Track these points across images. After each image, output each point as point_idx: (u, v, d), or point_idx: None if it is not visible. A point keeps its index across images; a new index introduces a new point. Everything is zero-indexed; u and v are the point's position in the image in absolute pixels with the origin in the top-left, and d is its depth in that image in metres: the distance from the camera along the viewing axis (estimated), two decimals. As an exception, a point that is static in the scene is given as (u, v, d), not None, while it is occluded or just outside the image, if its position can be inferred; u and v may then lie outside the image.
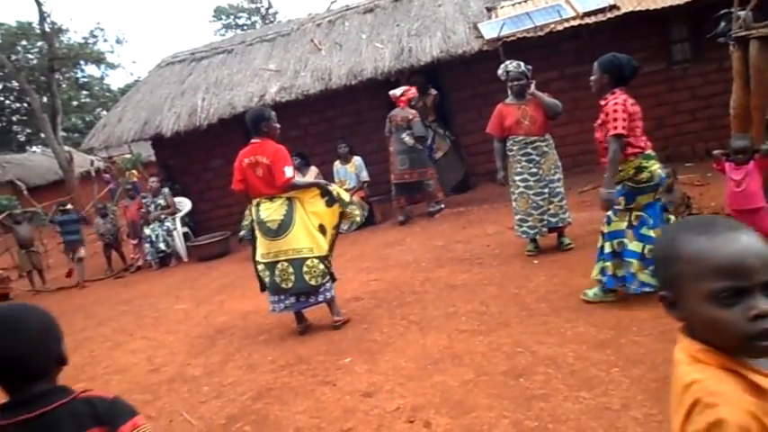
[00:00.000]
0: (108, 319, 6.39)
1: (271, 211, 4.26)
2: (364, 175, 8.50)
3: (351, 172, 8.43)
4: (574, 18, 7.96)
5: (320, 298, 4.42)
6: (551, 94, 5.25)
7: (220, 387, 3.83)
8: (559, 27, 7.91)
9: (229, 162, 9.83)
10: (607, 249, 3.84)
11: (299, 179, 4.52)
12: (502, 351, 3.46)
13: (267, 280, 4.41)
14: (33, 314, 1.40)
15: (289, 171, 4.21)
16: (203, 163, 10.24)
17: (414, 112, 7.71)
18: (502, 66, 5.26)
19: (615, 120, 3.63)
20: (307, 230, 4.32)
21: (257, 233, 4.41)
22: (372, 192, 8.80)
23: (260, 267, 4.46)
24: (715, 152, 4.61)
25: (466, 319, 4.09)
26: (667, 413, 2.47)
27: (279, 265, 4.30)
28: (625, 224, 3.77)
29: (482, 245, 6.01)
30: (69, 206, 10.33)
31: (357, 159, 8.54)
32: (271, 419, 3.22)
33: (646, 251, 3.69)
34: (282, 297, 4.42)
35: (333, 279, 4.50)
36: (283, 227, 4.25)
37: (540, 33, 7.96)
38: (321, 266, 4.33)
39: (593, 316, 3.68)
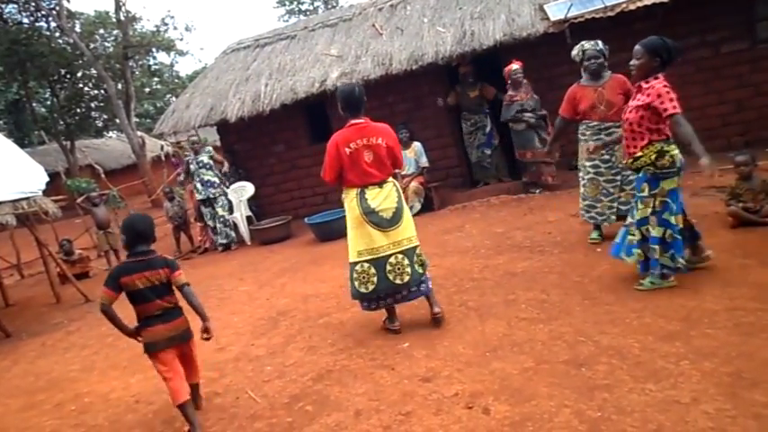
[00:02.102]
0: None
1: (382, 198, 3.87)
2: (424, 161, 8.48)
3: (410, 157, 8.41)
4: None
5: (423, 288, 4.05)
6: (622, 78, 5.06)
7: (282, 367, 3.93)
8: (632, 6, 7.55)
9: (291, 147, 10.24)
10: (637, 236, 3.86)
11: None
12: (563, 340, 3.40)
13: (375, 279, 3.88)
14: (149, 216, 3.50)
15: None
16: (266, 148, 10.47)
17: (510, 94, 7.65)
18: (577, 46, 5.08)
19: (671, 100, 3.60)
20: (411, 217, 4.07)
21: (359, 227, 3.90)
22: (431, 177, 8.78)
23: (361, 268, 3.91)
24: None
25: (526, 307, 4.03)
26: (742, 408, 2.37)
27: (392, 259, 3.88)
28: (649, 210, 3.77)
29: (543, 232, 5.90)
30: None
31: (417, 145, 8.51)
32: (331, 400, 3.29)
33: (666, 236, 3.74)
34: (395, 293, 4.00)
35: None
36: (398, 214, 3.91)
37: (611, 13, 7.64)
38: (423, 255, 4.05)
39: (660, 307, 3.55)
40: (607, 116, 4.87)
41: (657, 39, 3.73)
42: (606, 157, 4.94)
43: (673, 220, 3.73)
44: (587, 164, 5.05)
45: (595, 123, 4.93)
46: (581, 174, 5.17)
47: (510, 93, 7.63)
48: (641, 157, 3.76)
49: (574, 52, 5.06)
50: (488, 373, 3.19)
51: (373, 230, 3.85)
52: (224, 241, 9.22)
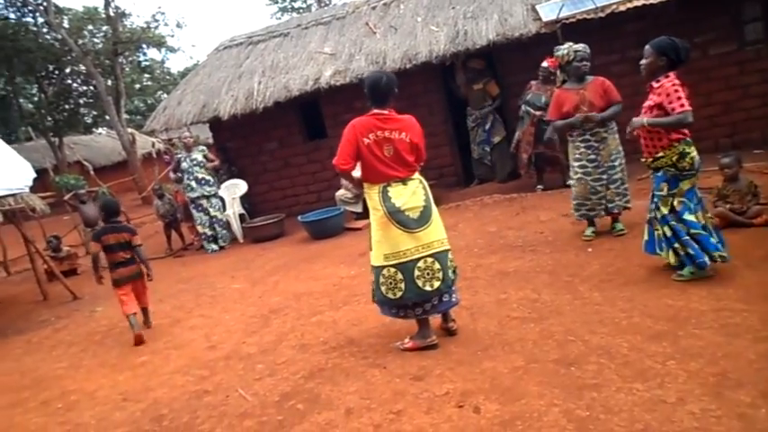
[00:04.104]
0: (168, 296, 6.63)
1: (407, 196, 3.54)
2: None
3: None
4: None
5: (457, 297, 3.79)
6: (611, 79, 5.12)
7: (274, 365, 3.93)
8: (622, 8, 7.60)
9: (284, 145, 10.22)
10: (667, 233, 3.89)
11: None
12: (553, 339, 3.42)
13: (402, 285, 3.52)
14: (117, 200, 6.33)
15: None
16: (259, 145, 10.44)
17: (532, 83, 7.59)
18: (565, 46, 5.12)
19: (680, 98, 3.65)
20: (439, 216, 3.70)
21: (384, 228, 3.55)
22: (424, 177, 8.75)
23: (387, 272, 3.55)
24: None
25: (517, 306, 4.05)
26: (726, 409, 2.40)
27: (420, 263, 3.51)
28: (667, 209, 3.83)
29: (535, 231, 5.93)
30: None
31: None
32: (322, 398, 3.29)
33: (691, 233, 3.78)
34: (425, 302, 3.61)
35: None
36: (426, 214, 3.56)
37: (602, 15, 7.69)
38: (453, 260, 3.73)
39: (649, 307, 3.59)
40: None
41: (665, 38, 3.78)
42: (592, 156, 5.02)
43: (693, 218, 3.78)
44: (575, 164, 5.14)
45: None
46: (571, 173, 5.24)
47: (531, 82, 7.62)
48: (662, 157, 3.80)
49: (562, 51, 5.10)
50: (479, 372, 3.21)
51: (400, 232, 3.49)
52: (215, 247, 9.03)
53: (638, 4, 7.52)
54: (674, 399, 2.58)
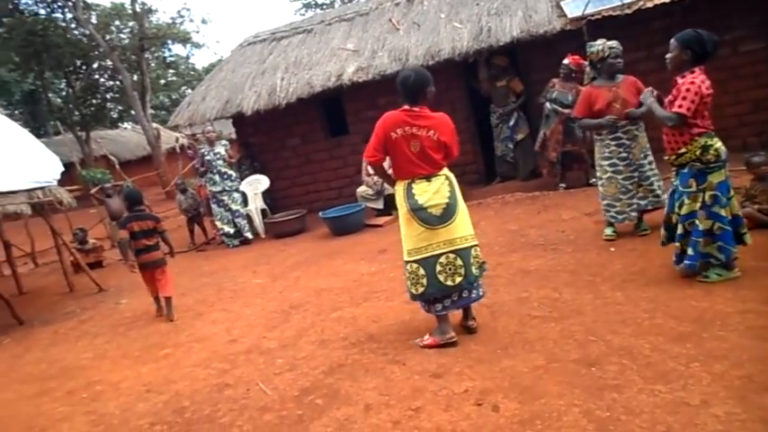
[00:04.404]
0: (191, 289, 6.71)
1: (430, 193, 3.54)
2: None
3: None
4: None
5: (479, 293, 3.77)
6: (638, 77, 5.04)
7: (294, 360, 3.96)
8: (649, 4, 7.49)
9: (306, 141, 10.26)
10: (679, 231, 3.85)
11: None
12: (574, 339, 3.39)
13: (424, 281, 3.57)
14: (140, 190, 6.69)
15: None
16: (281, 141, 10.50)
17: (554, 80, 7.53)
18: (599, 42, 5.03)
19: (684, 99, 3.61)
20: (467, 213, 3.69)
21: (408, 225, 3.61)
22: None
23: (410, 268, 3.62)
24: None
25: (538, 305, 4.03)
26: (751, 412, 2.36)
27: (442, 259, 3.54)
28: (698, 205, 3.75)
29: (557, 230, 5.88)
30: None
31: None
32: (341, 394, 3.31)
33: (715, 228, 3.72)
34: (445, 298, 3.65)
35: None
36: (450, 211, 3.55)
37: (628, 11, 7.58)
38: (480, 255, 3.72)
39: (672, 308, 3.54)
40: (623, 114, 4.86)
41: (691, 31, 3.69)
42: (624, 154, 4.95)
43: (723, 212, 3.72)
44: (604, 163, 5.05)
45: None
46: (599, 173, 5.18)
47: (553, 80, 7.55)
48: (685, 153, 3.74)
49: (597, 47, 4.99)
50: (499, 370, 3.20)
51: (422, 228, 3.53)
52: (236, 242, 9.06)
53: (667, 0, 7.40)
54: (698, 401, 2.54)
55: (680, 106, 3.60)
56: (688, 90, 3.60)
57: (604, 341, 3.28)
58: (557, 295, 4.15)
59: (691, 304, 3.54)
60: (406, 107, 3.60)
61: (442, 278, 3.54)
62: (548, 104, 7.41)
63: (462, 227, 3.60)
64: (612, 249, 4.92)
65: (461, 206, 3.64)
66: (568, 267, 4.71)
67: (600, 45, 5.00)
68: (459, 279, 3.55)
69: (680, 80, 3.73)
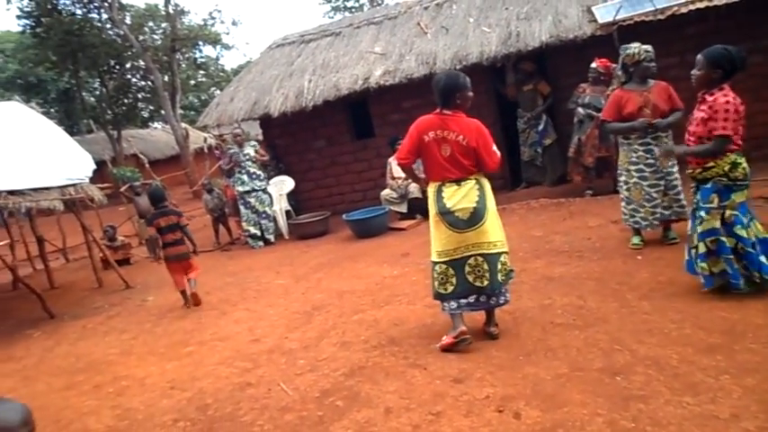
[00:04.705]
0: (215, 288, 6.78)
1: (459, 197, 3.56)
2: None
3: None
4: (701, -1, 7.36)
5: (501, 300, 3.75)
6: (670, 83, 4.96)
7: (315, 361, 3.97)
8: (684, 10, 7.36)
9: (332, 144, 10.30)
10: (701, 249, 3.72)
11: None
12: (598, 347, 3.34)
13: (454, 280, 3.63)
14: (163, 188, 7.19)
15: (496, 150, 3.63)
16: (307, 143, 10.56)
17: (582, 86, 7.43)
18: (634, 45, 4.95)
19: (726, 120, 3.53)
20: (498, 219, 3.69)
21: (436, 227, 3.66)
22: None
23: (440, 269, 3.67)
24: None
25: (561, 312, 3.98)
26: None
27: (471, 261, 3.59)
28: (718, 222, 3.65)
29: (582, 237, 5.80)
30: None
31: None
32: (362, 397, 3.31)
33: (738, 248, 3.62)
34: (469, 297, 3.68)
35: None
36: (477, 215, 3.55)
37: (661, 17, 7.46)
38: (508, 263, 3.71)
39: (701, 319, 3.46)
40: (651, 121, 4.79)
41: (721, 49, 3.61)
42: (651, 161, 4.87)
43: (744, 233, 3.62)
44: (631, 168, 4.97)
45: None
46: (623, 178, 5.09)
47: (582, 85, 7.47)
48: (713, 167, 3.65)
49: (633, 50, 4.89)
50: (521, 377, 3.16)
51: (449, 231, 3.58)
52: (261, 243, 9.10)
53: (701, 5, 7.26)
54: (728, 414, 2.48)
55: (723, 128, 3.52)
56: (727, 111, 3.53)
57: (630, 351, 3.23)
58: (581, 303, 4.09)
59: (721, 315, 3.46)
60: (438, 110, 3.63)
61: (471, 279, 3.61)
62: (580, 109, 7.30)
63: (492, 232, 3.60)
64: (639, 258, 4.84)
65: (491, 212, 3.64)
66: (594, 275, 4.64)
67: (636, 48, 4.90)
68: (485, 282, 3.59)
69: (710, 98, 3.64)
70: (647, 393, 2.76)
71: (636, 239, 5.12)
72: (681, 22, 7.51)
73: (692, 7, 7.31)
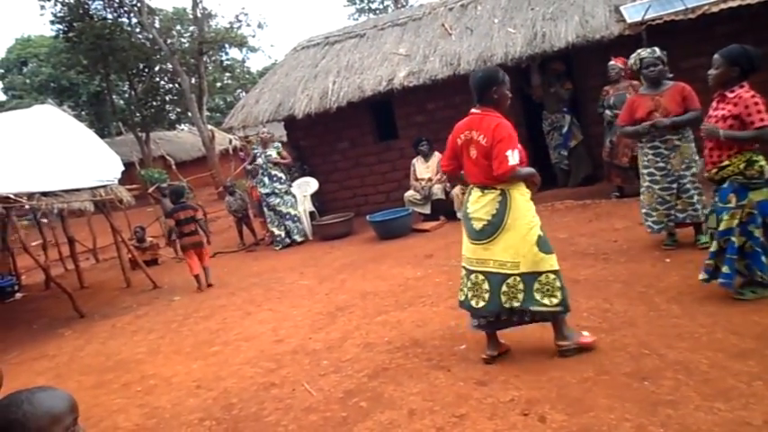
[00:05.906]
0: (239, 289, 6.85)
1: (479, 206, 3.34)
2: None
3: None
4: (734, -3, 7.18)
5: (509, 326, 3.52)
6: (698, 83, 4.86)
7: (339, 362, 3.98)
8: (715, 9, 7.20)
9: (356, 145, 10.34)
10: (713, 247, 3.73)
11: (521, 168, 3.26)
12: (626, 351, 3.29)
13: (487, 296, 3.35)
14: (183, 186, 9.32)
15: (513, 157, 3.18)
16: (331, 145, 10.61)
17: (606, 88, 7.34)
18: (633, 55, 5.02)
19: (760, 111, 3.51)
20: (520, 237, 3.27)
21: (463, 229, 3.53)
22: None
23: (462, 272, 3.53)
24: None
25: (587, 316, 3.93)
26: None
27: (473, 277, 3.40)
28: (736, 222, 3.62)
29: (608, 240, 5.72)
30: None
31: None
32: (385, 398, 3.31)
33: (746, 246, 3.61)
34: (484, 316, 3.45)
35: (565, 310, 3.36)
36: (488, 230, 3.30)
37: (692, 16, 7.30)
38: (557, 282, 3.32)
39: (733, 323, 3.38)
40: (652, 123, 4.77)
41: (738, 47, 3.62)
42: (661, 164, 4.84)
43: (757, 232, 3.59)
44: (643, 171, 5.00)
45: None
46: (640, 181, 5.09)
47: (605, 87, 7.39)
48: (728, 166, 3.62)
49: (630, 61, 5.03)
50: (546, 380, 3.13)
51: (465, 236, 3.47)
52: (287, 241, 9.13)
53: (734, 4, 7.10)
54: (761, 421, 2.42)
55: (762, 120, 3.48)
56: (757, 103, 3.53)
57: (658, 355, 3.17)
58: (607, 306, 4.04)
59: (754, 320, 3.38)
60: (473, 110, 3.46)
61: (469, 295, 3.42)
62: (608, 112, 7.21)
63: (504, 252, 3.28)
64: (668, 260, 4.76)
65: (511, 229, 3.27)
66: (620, 278, 4.57)
67: (632, 58, 5.03)
68: (481, 303, 3.36)
69: (730, 94, 3.64)
70: (676, 399, 2.71)
71: (668, 240, 5.09)
72: (711, 21, 7.36)
73: (723, 6, 7.14)
